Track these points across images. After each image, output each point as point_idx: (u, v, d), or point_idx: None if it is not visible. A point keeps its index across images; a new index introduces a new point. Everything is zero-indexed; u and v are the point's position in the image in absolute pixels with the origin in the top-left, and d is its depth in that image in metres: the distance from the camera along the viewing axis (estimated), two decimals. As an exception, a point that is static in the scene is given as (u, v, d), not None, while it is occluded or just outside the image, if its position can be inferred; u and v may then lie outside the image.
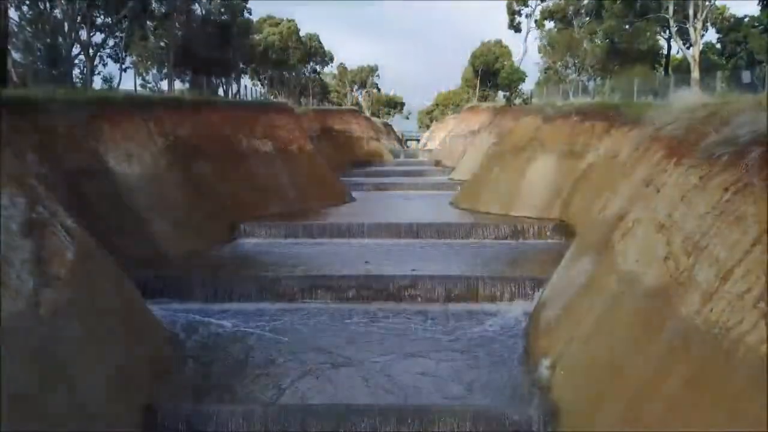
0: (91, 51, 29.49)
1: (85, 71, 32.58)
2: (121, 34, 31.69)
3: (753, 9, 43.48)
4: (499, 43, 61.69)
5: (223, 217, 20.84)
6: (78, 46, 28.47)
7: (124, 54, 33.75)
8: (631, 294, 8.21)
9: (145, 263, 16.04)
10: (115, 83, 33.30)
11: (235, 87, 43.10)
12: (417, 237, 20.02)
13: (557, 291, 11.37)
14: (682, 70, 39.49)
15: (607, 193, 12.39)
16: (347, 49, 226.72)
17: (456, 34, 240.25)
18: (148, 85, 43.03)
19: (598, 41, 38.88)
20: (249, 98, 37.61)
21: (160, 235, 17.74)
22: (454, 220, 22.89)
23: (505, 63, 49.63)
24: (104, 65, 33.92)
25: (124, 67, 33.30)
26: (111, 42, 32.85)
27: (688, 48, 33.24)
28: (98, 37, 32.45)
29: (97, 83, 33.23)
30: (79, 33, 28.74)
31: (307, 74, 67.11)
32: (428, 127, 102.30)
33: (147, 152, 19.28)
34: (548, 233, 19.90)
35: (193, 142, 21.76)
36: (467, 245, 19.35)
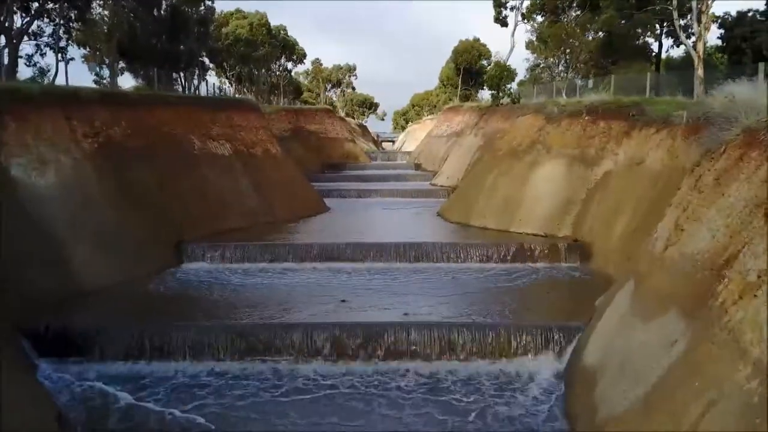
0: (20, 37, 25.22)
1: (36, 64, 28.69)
2: (58, 19, 27.52)
3: (752, 4, 41.42)
4: (478, 41, 58.92)
5: (167, 236, 17.06)
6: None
7: (65, 42, 29.57)
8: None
9: (54, 303, 12.33)
10: (62, 77, 29.17)
11: (198, 83, 39.26)
12: (404, 260, 16.53)
13: (620, 360, 7.98)
14: (673, 67, 37.17)
15: (675, 215, 9.07)
16: (317, 49, 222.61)
17: (427, 36, 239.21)
18: (103, 81, 38.93)
19: (590, 36, 36.00)
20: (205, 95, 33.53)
21: (79, 264, 13.91)
22: (445, 238, 19.43)
23: (490, 60, 46.48)
24: (42, 55, 29.68)
25: (67, 58, 29.04)
26: (49, 29, 28.77)
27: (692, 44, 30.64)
28: (34, 25, 28.55)
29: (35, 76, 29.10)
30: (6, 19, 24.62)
31: (278, 72, 63.23)
32: (403, 128, 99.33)
33: (67, 157, 15.40)
34: (562, 255, 16.61)
35: (131, 143, 17.86)
36: (465, 271, 15.92)
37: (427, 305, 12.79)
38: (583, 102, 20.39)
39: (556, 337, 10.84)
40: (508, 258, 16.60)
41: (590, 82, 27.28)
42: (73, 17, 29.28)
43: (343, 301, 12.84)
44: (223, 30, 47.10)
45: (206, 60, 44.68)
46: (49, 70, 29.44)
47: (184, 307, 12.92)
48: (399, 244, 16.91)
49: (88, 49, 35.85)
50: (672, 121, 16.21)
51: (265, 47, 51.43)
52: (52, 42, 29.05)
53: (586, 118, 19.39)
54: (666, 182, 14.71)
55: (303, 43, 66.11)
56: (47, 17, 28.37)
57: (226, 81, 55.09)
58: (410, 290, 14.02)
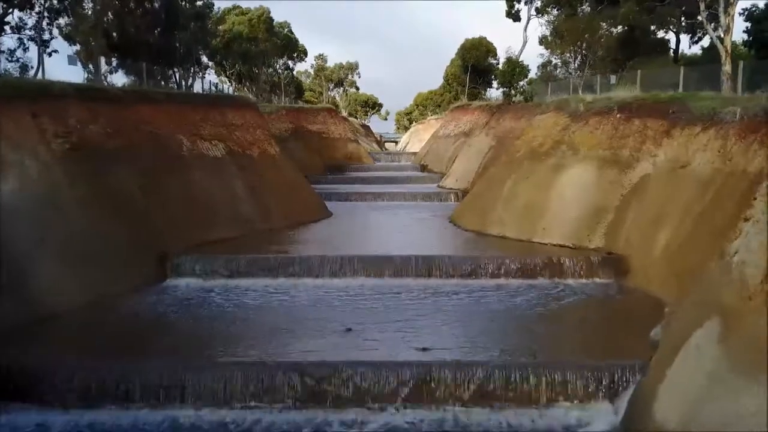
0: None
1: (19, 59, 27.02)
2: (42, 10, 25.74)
3: None
4: (485, 39, 57.02)
5: (149, 248, 15.14)
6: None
7: (49, 34, 27.83)
8: None
9: (5, 332, 10.42)
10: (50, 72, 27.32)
11: (192, 80, 37.38)
12: (418, 276, 14.58)
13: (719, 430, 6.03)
14: (692, 63, 35.30)
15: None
16: (317, 49, 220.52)
17: (427, 36, 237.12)
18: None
19: (608, 30, 34.08)
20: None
21: (45, 282, 12.03)
22: (461, 250, 17.52)
23: (497, 58, 44.59)
24: (25, 50, 27.87)
25: (48, 50, 27.17)
26: (32, 21, 27.01)
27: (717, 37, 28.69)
28: (17, 18, 26.82)
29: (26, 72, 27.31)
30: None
31: (279, 70, 61.37)
32: (407, 128, 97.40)
33: (33, 159, 13.48)
34: (595, 270, 14.66)
35: (110, 144, 15.95)
36: (486, 288, 13.98)
37: (447, 335, 10.88)
38: (613, 98, 18.41)
39: (607, 379, 8.89)
40: (534, 273, 14.65)
41: (613, 78, 25.29)
42: (59, 8, 27.59)
43: (349, 329, 10.88)
44: (220, 27, 45.25)
45: (204, 58, 42.92)
46: (32, 67, 27.71)
47: (160, 336, 10.97)
48: (411, 257, 14.94)
49: (78, 45, 34.10)
50: (721, 119, 14.27)
51: (266, 45, 49.53)
52: (35, 35, 27.27)
53: (618, 116, 17.42)
54: (720, 189, 12.79)
55: (303, 43, 64.09)
56: (29, 8, 26.62)
57: (226, 80, 53.32)
58: (426, 314, 12.05)
